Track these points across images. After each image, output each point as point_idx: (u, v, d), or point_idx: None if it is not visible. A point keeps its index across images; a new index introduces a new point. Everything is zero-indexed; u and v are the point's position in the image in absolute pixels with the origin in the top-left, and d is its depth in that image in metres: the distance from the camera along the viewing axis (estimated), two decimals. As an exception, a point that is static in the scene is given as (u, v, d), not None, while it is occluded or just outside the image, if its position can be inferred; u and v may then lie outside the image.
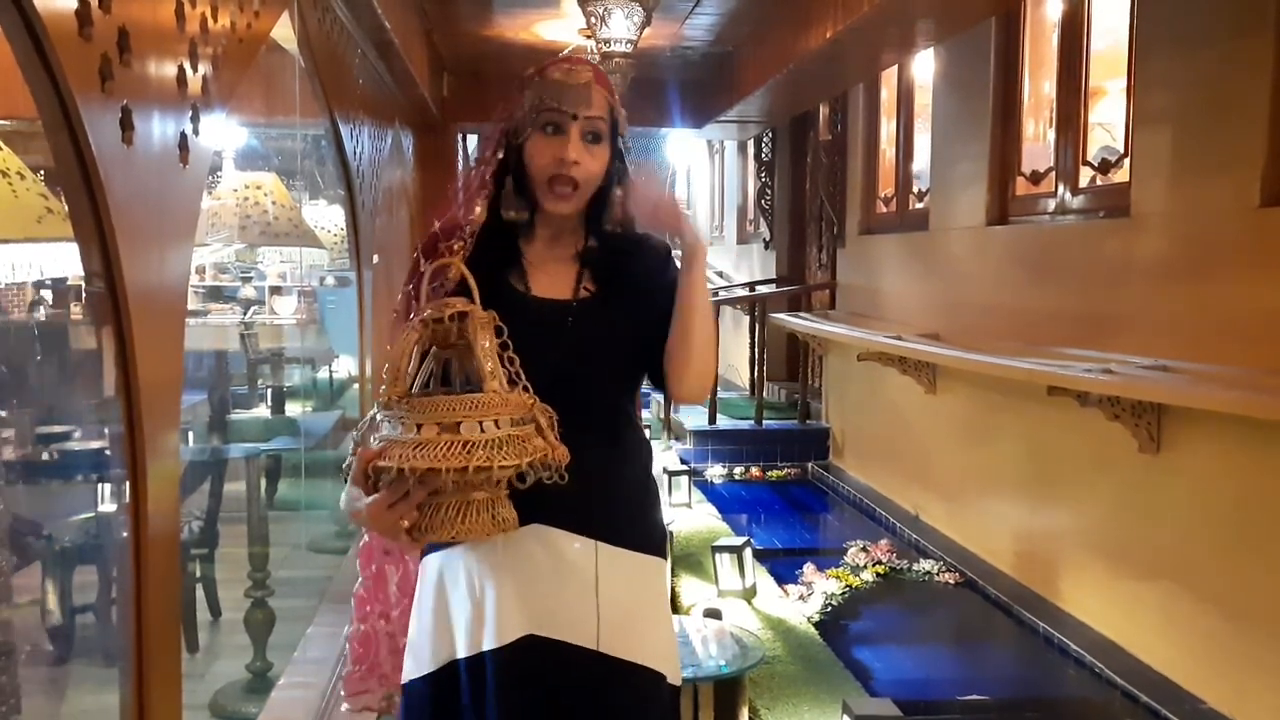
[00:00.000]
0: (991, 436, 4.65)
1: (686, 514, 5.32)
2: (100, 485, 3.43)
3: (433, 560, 1.60)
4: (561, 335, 1.55)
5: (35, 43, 1.03)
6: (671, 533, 4.59)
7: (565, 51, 1.65)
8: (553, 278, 1.60)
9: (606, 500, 1.57)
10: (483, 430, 1.32)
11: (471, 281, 1.41)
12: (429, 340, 1.41)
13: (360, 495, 1.39)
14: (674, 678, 1.65)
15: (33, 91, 1.08)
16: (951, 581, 4.63)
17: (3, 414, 2.39)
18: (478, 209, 1.59)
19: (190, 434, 4.49)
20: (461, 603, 1.55)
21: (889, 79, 6.22)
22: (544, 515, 1.51)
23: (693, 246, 1.58)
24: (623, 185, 1.61)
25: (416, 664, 1.60)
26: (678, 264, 1.67)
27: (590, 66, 1.58)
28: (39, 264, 2.01)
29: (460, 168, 8.13)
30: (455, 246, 1.55)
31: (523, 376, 1.39)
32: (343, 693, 1.81)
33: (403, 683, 1.63)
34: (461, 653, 1.55)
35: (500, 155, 1.59)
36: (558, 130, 1.53)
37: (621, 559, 1.58)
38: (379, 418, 1.39)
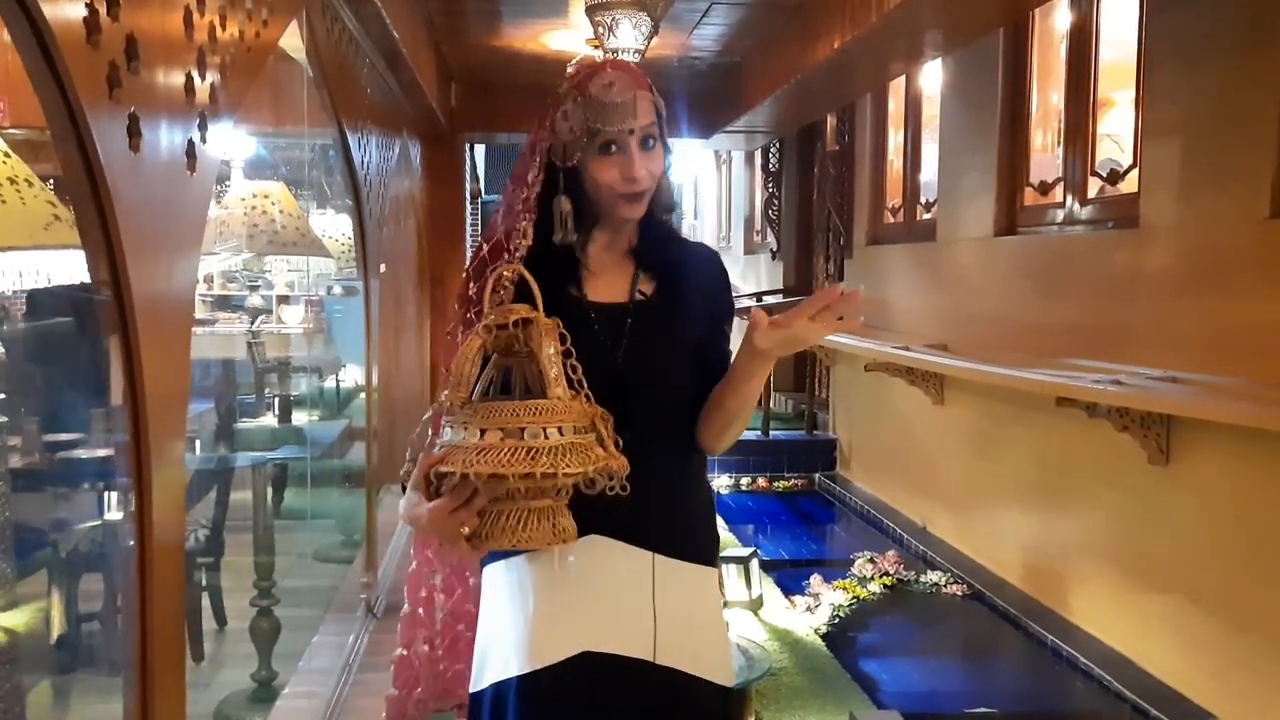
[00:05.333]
0: (1000, 448, 4.63)
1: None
2: (106, 493, 3.43)
3: (490, 572, 1.58)
4: (620, 339, 1.54)
5: (43, 50, 1.03)
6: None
7: (574, 61, 1.64)
8: (609, 282, 1.59)
9: (664, 511, 1.55)
10: (546, 436, 1.30)
11: (534, 286, 1.40)
12: (491, 347, 1.40)
13: (420, 501, 1.37)
14: (727, 681, 1.64)
15: (41, 99, 1.08)
16: (959, 593, 4.61)
17: (3, 419, 2.38)
18: (523, 233, 1.55)
19: (197, 442, 4.49)
20: (517, 618, 1.53)
21: (896, 90, 6.22)
22: (601, 526, 1.49)
23: (769, 351, 1.50)
24: (667, 173, 1.60)
25: (477, 679, 1.59)
26: (727, 270, 1.70)
27: (628, 74, 1.55)
28: (46, 271, 2.02)
29: (468, 178, 8.14)
30: (506, 271, 1.51)
31: (584, 385, 1.38)
32: (384, 715, 1.80)
33: (470, 693, 1.61)
34: (516, 670, 1.52)
35: (543, 177, 1.55)
36: (617, 148, 1.51)
37: (678, 571, 1.56)
38: (441, 423, 1.38)
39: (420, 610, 1.76)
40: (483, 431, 1.31)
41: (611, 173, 1.51)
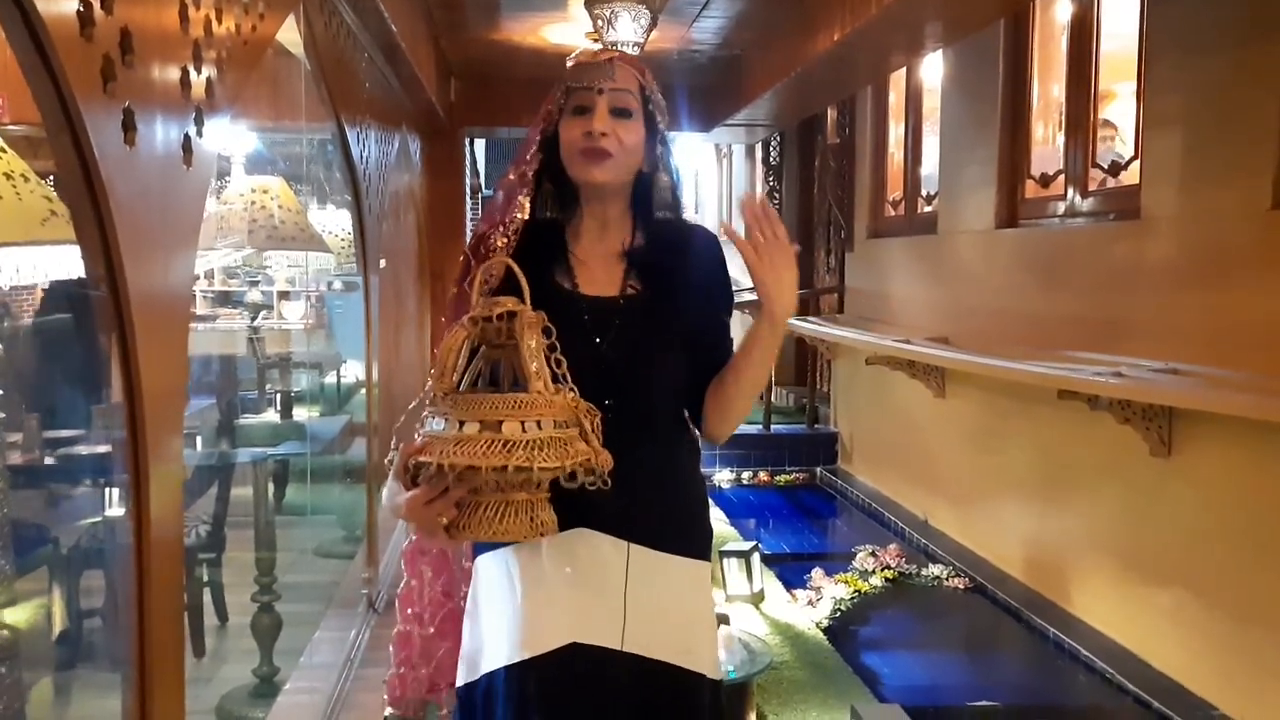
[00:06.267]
0: (1001, 441, 4.63)
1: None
2: (108, 490, 3.43)
3: (481, 564, 1.59)
4: (608, 334, 1.55)
5: (36, 44, 1.03)
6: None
7: (574, 54, 1.66)
8: (600, 274, 1.60)
9: (648, 503, 1.55)
10: (525, 430, 1.30)
11: (522, 279, 1.40)
12: (477, 338, 1.40)
13: (400, 490, 1.38)
14: (713, 674, 1.64)
15: (34, 93, 1.07)
16: (961, 586, 4.60)
17: (1, 415, 2.38)
18: (520, 207, 1.59)
19: (199, 439, 4.49)
20: (504, 609, 1.54)
21: (897, 82, 6.21)
22: (587, 519, 1.50)
23: (781, 312, 1.55)
24: (666, 170, 1.62)
25: (466, 670, 1.59)
26: (725, 257, 1.69)
27: (618, 51, 1.62)
28: (44, 267, 2.01)
29: (468, 173, 8.14)
30: (499, 243, 1.55)
31: (568, 378, 1.37)
32: (385, 697, 1.80)
33: (456, 687, 1.62)
34: (503, 660, 1.53)
35: (540, 154, 1.60)
36: (587, 109, 1.55)
37: (655, 561, 1.56)
38: (424, 414, 1.38)
39: (416, 585, 1.77)
40: (462, 423, 1.31)
41: (575, 130, 1.55)
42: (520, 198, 1.59)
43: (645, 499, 1.54)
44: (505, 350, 1.41)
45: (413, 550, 1.76)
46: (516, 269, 1.42)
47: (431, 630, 1.75)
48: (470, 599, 1.62)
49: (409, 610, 1.77)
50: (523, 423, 1.30)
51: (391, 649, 1.79)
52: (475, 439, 1.29)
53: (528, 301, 1.39)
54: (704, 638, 1.65)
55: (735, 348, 1.65)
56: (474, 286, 1.44)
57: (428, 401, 1.37)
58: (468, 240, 1.65)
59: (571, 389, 1.37)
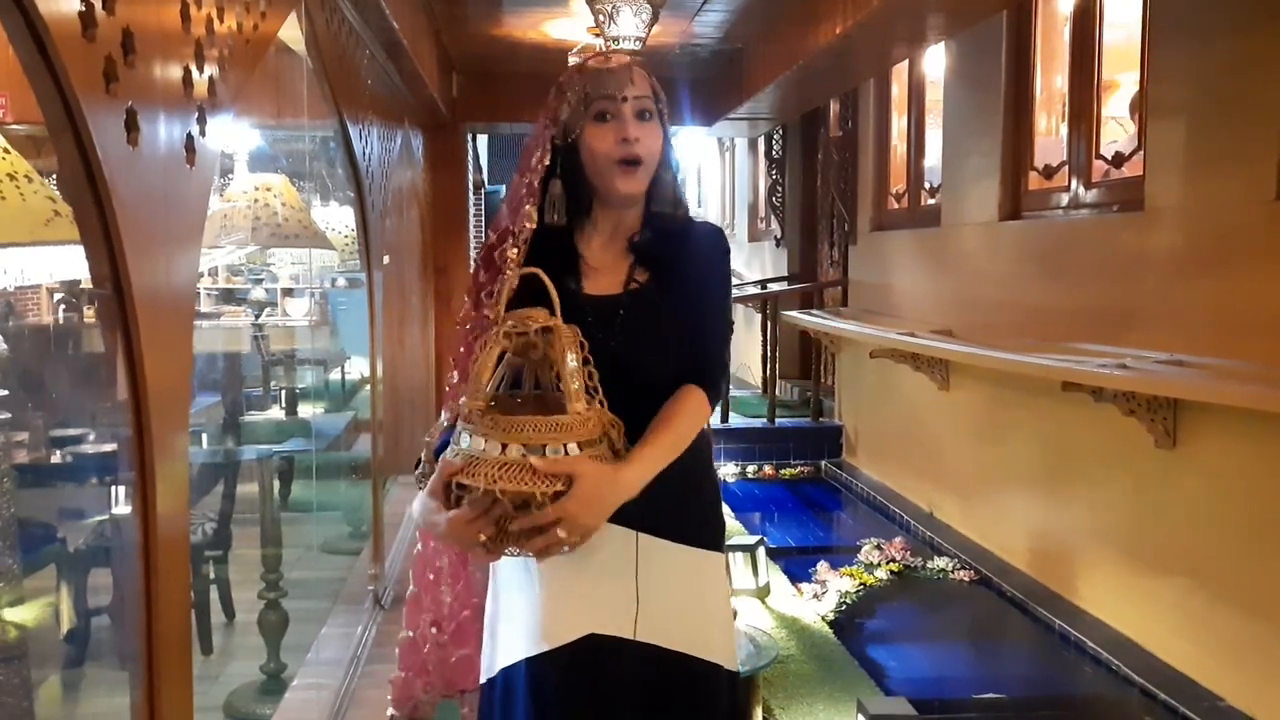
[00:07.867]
0: (1005, 433, 4.62)
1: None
2: (114, 488, 3.44)
3: (499, 561, 1.60)
4: (613, 330, 1.56)
5: (38, 44, 1.03)
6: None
7: (576, 49, 1.66)
8: (606, 273, 1.61)
9: (660, 493, 1.55)
10: (566, 453, 1.35)
11: (552, 290, 1.42)
12: (511, 352, 1.44)
13: (438, 509, 1.40)
14: (730, 665, 1.65)
15: (37, 93, 1.08)
16: (966, 579, 4.60)
17: (6, 415, 2.39)
18: (529, 215, 1.59)
19: (204, 436, 4.50)
20: (522, 603, 1.56)
21: (900, 75, 6.19)
22: None
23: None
24: (670, 165, 1.63)
25: (488, 667, 1.61)
26: (729, 250, 1.71)
27: (624, 52, 1.62)
28: (49, 267, 2.02)
29: (470, 168, 8.14)
30: (511, 253, 1.56)
31: (599, 391, 1.41)
32: (389, 697, 1.81)
33: (481, 683, 1.64)
34: (522, 654, 1.54)
35: (547, 161, 1.59)
36: (611, 116, 1.55)
37: (664, 550, 1.57)
38: (458, 429, 1.41)
39: (425, 593, 1.78)
40: (504, 446, 1.34)
41: (607, 139, 1.55)
42: (528, 206, 1.59)
43: (657, 489, 1.54)
44: (529, 357, 1.43)
45: (421, 561, 1.78)
46: (547, 280, 1.43)
47: (446, 637, 1.77)
48: (490, 596, 1.63)
49: (419, 617, 1.78)
50: (564, 445, 1.35)
51: (398, 652, 1.80)
52: (520, 463, 1.33)
53: (558, 314, 1.41)
54: (720, 628, 1.66)
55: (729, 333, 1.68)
56: (501, 299, 1.46)
57: (462, 419, 1.40)
58: (477, 251, 1.65)
59: (601, 401, 1.41)
